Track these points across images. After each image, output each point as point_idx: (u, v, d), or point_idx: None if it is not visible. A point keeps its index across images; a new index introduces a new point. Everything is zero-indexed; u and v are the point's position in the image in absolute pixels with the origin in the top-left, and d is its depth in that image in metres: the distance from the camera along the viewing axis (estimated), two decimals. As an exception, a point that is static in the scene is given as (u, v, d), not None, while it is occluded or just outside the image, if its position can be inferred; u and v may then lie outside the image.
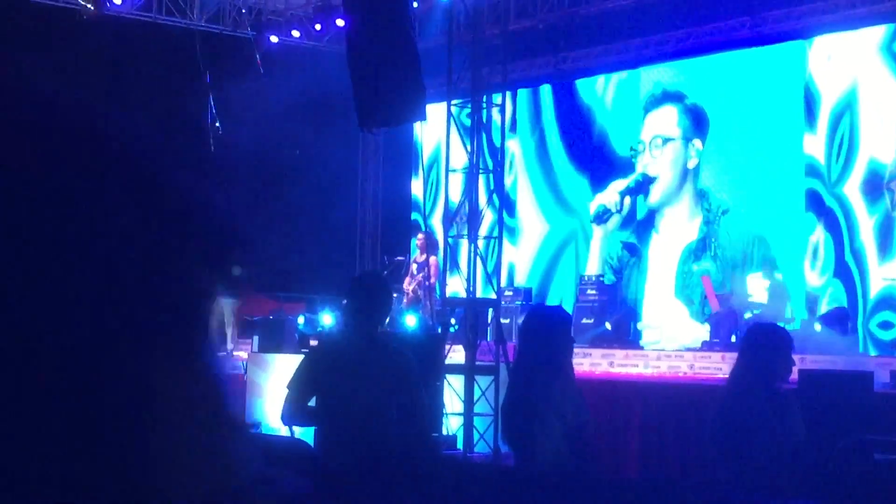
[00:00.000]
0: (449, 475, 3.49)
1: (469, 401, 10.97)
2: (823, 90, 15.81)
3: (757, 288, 15.63)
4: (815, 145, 15.80)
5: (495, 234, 13.20)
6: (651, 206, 18.17)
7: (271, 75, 19.53)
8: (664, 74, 18.23)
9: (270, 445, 4.23)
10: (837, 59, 15.70)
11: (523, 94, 20.28)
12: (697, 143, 17.77)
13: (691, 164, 17.82)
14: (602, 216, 18.67)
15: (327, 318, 16.23)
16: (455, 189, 14.64)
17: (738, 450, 5.07)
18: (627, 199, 18.48)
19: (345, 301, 5.37)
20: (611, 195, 18.65)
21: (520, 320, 16.75)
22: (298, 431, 5.21)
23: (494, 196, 13.31)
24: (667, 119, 18.25)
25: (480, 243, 12.10)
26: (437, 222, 19.50)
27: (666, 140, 18.12)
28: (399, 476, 3.57)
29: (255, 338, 15.14)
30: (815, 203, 15.71)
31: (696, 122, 17.82)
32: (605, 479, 3.39)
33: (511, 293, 17.70)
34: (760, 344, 5.22)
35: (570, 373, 5.11)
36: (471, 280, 11.77)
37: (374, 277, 7.91)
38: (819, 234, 15.60)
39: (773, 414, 5.04)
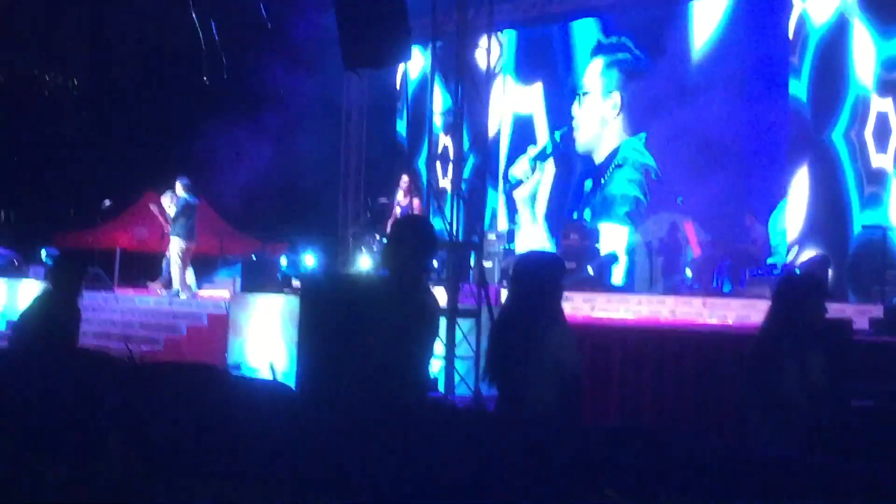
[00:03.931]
0: (436, 418, 3.50)
1: (451, 343, 10.99)
2: (809, 34, 15.71)
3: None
4: (799, 91, 15.73)
5: (478, 177, 13.16)
6: (580, 152, 19.03)
7: (257, 12, 19.31)
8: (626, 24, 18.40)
9: (250, 388, 4.23)
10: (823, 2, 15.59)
11: (509, 35, 20.13)
12: (616, 96, 18.46)
13: (609, 117, 18.49)
14: (515, 185, 19.86)
15: (309, 259, 16.20)
16: (440, 132, 14.56)
17: (764, 397, 5.22)
18: (538, 166, 19.60)
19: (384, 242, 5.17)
20: (522, 165, 19.81)
21: (502, 263, 16.84)
22: (280, 374, 5.20)
23: (478, 139, 13.23)
24: (592, 73, 18.96)
25: (463, 186, 12.04)
26: (422, 164, 19.43)
27: (584, 93, 18.97)
28: (387, 419, 3.58)
29: (238, 278, 15.12)
30: (799, 149, 15.67)
31: (625, 75, 18.41)
32: (592, 427, 3.41)
33: (493, 237, 17.71)
34: (791, 292, 5.37)
35: (565, 322, 5.09)
36: (454, 223, 11.74)
37: (413, 219, 7.88)
38: (801, 180, 15.58)
39: (798, 362, 5.18)
